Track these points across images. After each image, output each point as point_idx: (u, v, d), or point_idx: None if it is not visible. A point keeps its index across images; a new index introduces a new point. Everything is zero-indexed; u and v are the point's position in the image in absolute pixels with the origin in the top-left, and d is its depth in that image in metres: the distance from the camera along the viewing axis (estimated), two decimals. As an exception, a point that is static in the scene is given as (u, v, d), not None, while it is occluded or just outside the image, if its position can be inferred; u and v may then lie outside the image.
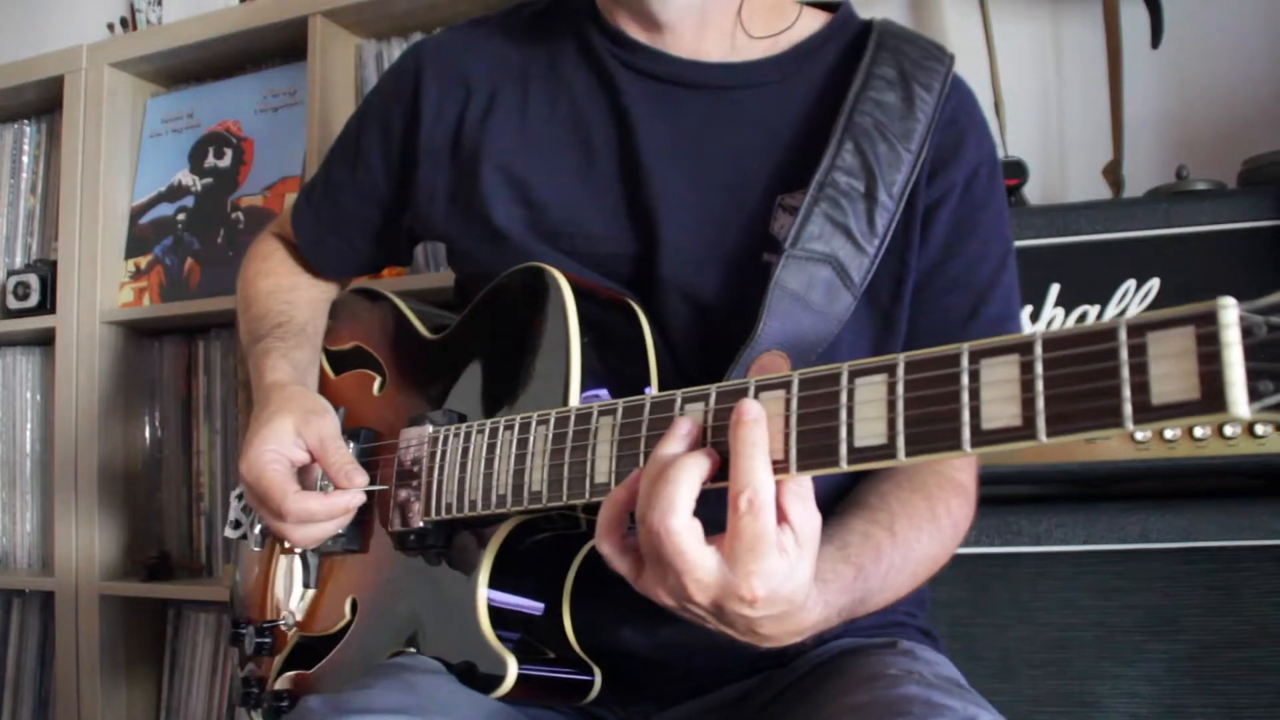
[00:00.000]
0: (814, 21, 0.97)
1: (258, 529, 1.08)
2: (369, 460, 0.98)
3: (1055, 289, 1.22)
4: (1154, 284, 1.19)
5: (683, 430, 0.66)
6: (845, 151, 0.85)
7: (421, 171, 1.00)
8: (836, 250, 0.83)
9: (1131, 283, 1.19)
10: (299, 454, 0.93)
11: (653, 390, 0.85)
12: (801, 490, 0.64)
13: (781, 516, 0.63)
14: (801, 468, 0.62)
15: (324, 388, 1.08)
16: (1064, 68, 1.61)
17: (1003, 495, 1.25)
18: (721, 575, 0.63)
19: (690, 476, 0.63)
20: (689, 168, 0.91)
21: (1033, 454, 1.19)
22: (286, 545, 1.04)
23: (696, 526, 0.63)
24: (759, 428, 0.62)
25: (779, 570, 0.62)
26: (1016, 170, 1.40)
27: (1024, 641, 1.17)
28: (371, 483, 0.94)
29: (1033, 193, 1.51)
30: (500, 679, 0.80)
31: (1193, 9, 1.51)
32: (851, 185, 0.84)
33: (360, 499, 0.92)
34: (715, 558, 0.63)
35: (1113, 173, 1.44)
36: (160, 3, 2.15)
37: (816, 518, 0.65)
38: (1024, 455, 1.19)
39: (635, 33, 0.95)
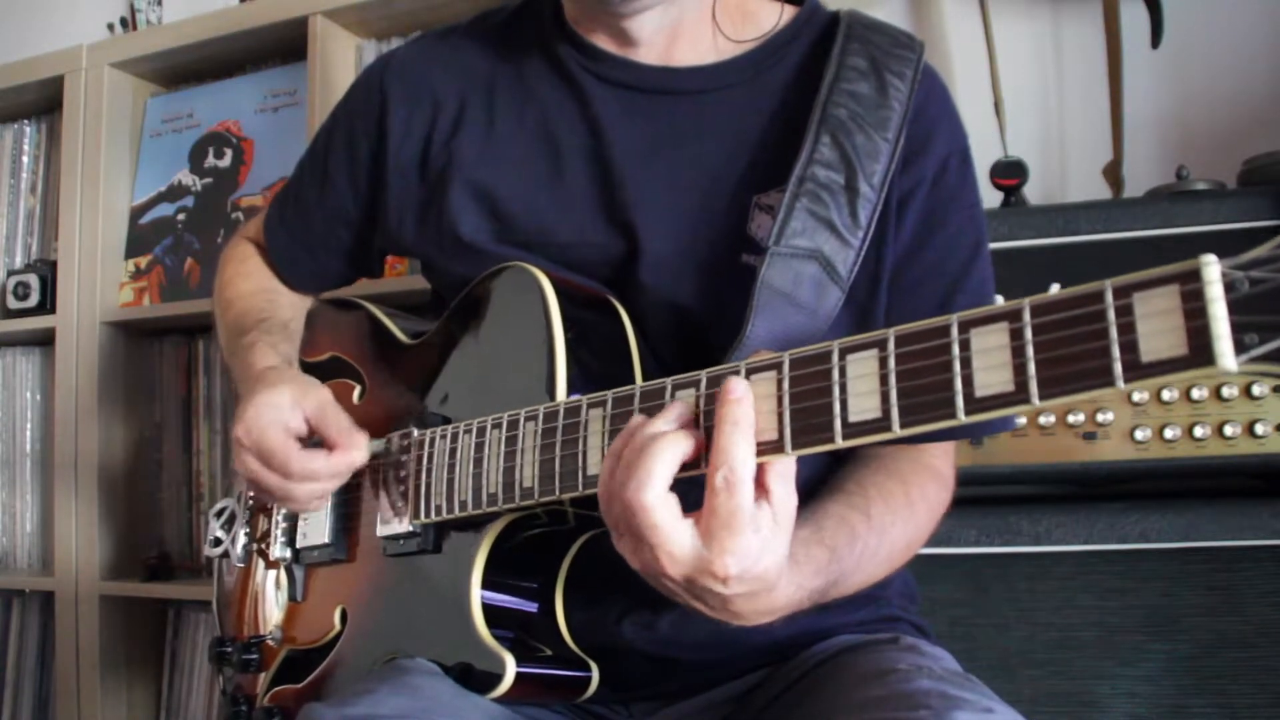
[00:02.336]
0: (781, 16, 0.96)
1: (239, 544, 1.07)
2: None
3: (1055, 289, 1.22)
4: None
5: (674, 412, 0.67)
6: (822, 145, 0.85)
7: (390, 191, 1.00)
8: (821, 245, 0.82)
9: (1132, 283, 1.19)
10: (297, 422, 0.92)
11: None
12: (785, 470, 0.64)
13: (763, 493, 0.64)
14: (797, 446, 0.63)
15: None
16: (1064, 68, 1.61)
17: (1003, 495, 1.25)
18: (695, 552, 0.63)
19: (668, 452, 0.64)
20: (663, 173, 0.90)
21: (1033, 454, 1.19)
22: (271, 559, 1.03)
23: (672, 500, 0.64)
24: (742, 406, 0.63)
25: (752, 549, 0.63)
26: (1016, 170, 1.40)
27: (1024, 641, 1.17)
28: (375, 444, 0.92)
29: (1033, 193, 1.51)
30: (499, 678, 0.79)
31: (1193, 9, 1.51)
32: (831, 178, 0.84)
33: (364, 456, 0.91)
34: (690, 533, 0.64)
35: (1113, 173, 1.44)
36: (160, 3, 2.15)
37: (794, 499, 0.66)
38: (1024, 455, 1.19)
39: (606, 45, 0.95)
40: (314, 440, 0.93)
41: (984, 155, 1.42)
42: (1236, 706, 1.10)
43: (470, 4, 1.65)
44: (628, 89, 0.93)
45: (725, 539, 0.62)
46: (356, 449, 0.91)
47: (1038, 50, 1.62)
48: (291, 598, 1.02)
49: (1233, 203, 1.19)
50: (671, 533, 0.63)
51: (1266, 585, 1.11)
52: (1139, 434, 1.16)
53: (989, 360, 0.56)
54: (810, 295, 0.82)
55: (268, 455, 0.89)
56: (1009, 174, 1.40)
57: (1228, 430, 1.13)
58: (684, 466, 0.66)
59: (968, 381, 0.56)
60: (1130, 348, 0.50)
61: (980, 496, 1.23)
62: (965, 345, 0.57)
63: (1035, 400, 0.54)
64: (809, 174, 0.84)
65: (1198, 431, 1.14)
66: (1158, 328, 0.50)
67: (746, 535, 0.63)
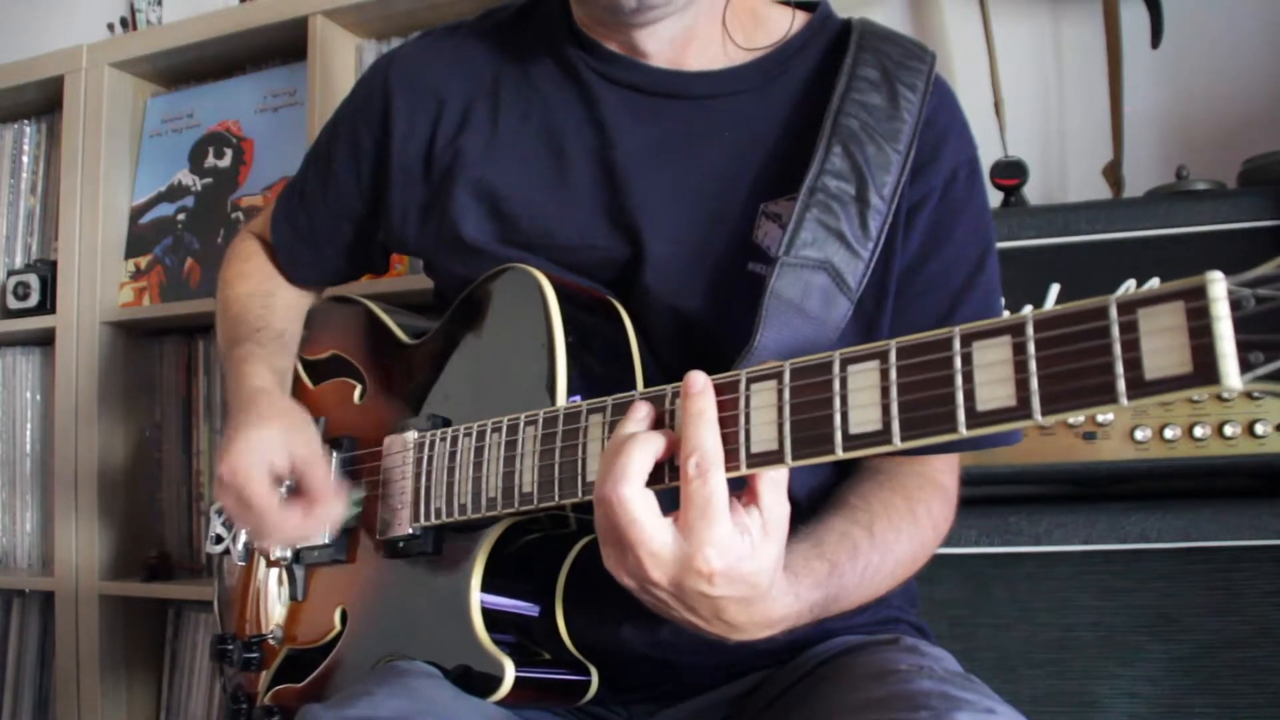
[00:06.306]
0: (793, 22, 0.95)
1: (241, 543, 1.07)
2: (352, 469, 0.98)
3: (1055, 289, 1.22)
4: (1154, 284, 1.19)
5: (640, 413, 0.69)
6: (834, 155, 0.84)
7: (393, 189, 1.00)
8: (831, 256, 0.82)
9: (1131, 283, 1.19)
10: (281, 462, 0.92)
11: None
12: (777, 477, 0.65)
13: (751, 500, 0.65)
14: (797, 457, 0.62)
15: (303, 398, 1.07)
16: (1064, 68, 1.60)
17: (1003, 495, 1.25)
18: (677, 547, 0.64)
19: (643, 448, 0.65)
20: (670, 177, 0.90)
21: (1033, 454, 1.19)
22: (272, 558, 1.04)
23: (650, 498, 0.65)
24: (704, 398, 0.65)
25: (736, 545, 0.63)
26: (1016, 170, 1.40)
27: (1024, 641, 1.17)
28: (354, 499, 0.94)
29: (1033, 193, 1.51)
30: (498, 682, 0.79)
31: (1193, 9, 1.51)
32: (842, 189, 0.83)
33: (340, 516, 0.93)
34: (670, 531, 0.64)
35: (1113, 173, 1.44)
36: (160, 3, 2.15)
37: (786, 507, 0.66)
38: (1024, 455, 1.19)
39: (615, 48, 0.94)
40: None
41: (984, 155, 1.41)
42: (1236, 706, 1.11)
43: (471, 4, 1.65)
44: (636, 91, 0.93)
45: (703, 529, 0.63)
46: (334, 509, 0.92)
47: (1038, 50, 1.61)
48: (292, 597, 1.02)
49: (1233, 203, 1.19)
50: (651, 528, 0.64)
51: (1266, 585, 1.11)
52: (1139, 434, 1.16)
53: (991, 374, 0.55)
54: (819, 306, 0.81)
55: (247, 503, 0.90)
56: (1009, 174, 1.40)
57: (1228, 430, 1.13)
58: (664, 477, 0.67)
59: (969, 395, 0.56)
60: (1134, 365, 0.50)
61: (980, 496, 1.23)
62: (967, 359, 0.56)
63: (1037, 416, 0.53)
64: (820, 184, 0.84)
65: (1198, 431, 1.14)
66: (1162, 345, 0.49)
67: (725, 525, 0.63)
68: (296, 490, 0.93)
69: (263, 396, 0.97)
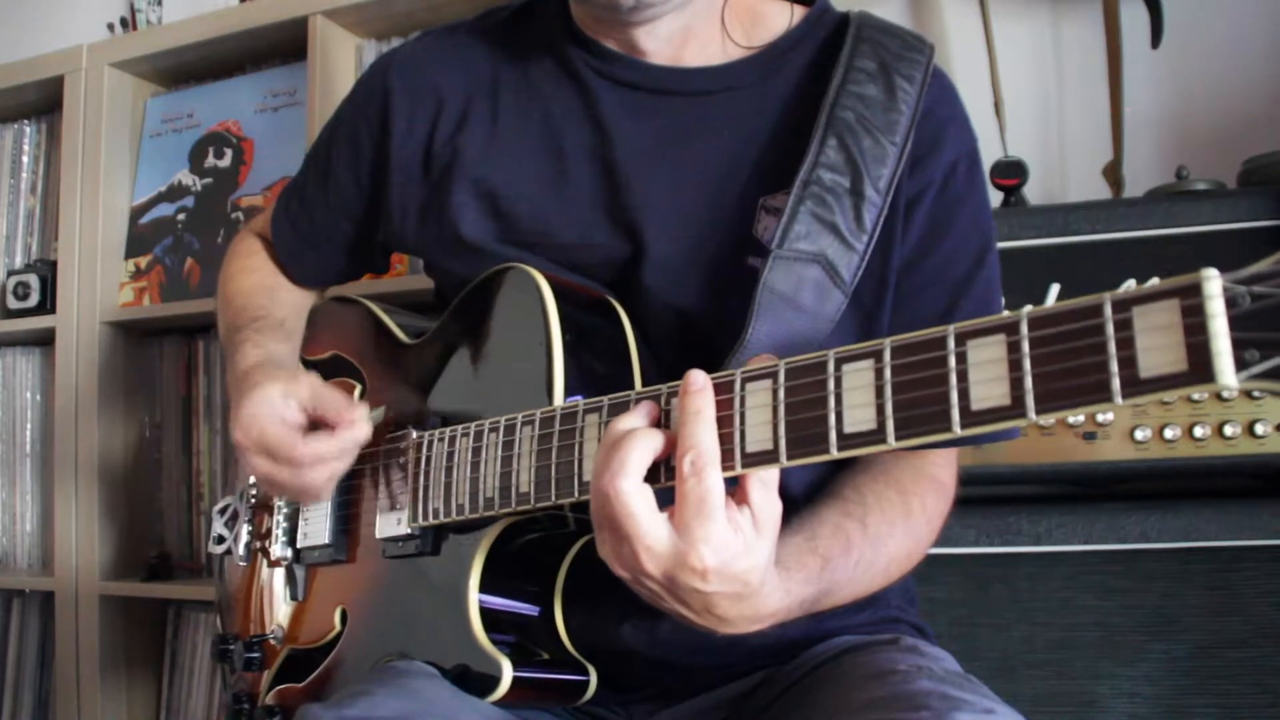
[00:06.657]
0: (791, 18, 0.95)
1: (242, 543, 1.07)
2: (352, 469, 0.98)
3: (1055, 289, 1.22)
4: (1154, 284, 1.19)
5: (641, 410, 0.69)
6: (829, 148, 0.84)
7: (392, 188, 1.00)
8: (825, 249, 0.82)
9: (1131, 283, 1.19)
10: (292, 413, 0.90)
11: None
12: (766, 477, 0.65)
13: (742, 499, 0.65)
14: (792, 456, 0.63)
15: None
16: (1064, 68, 1.61)
17: (1003, 495, 1.25)
18: (672, 543, 0.64)
19: (642, 444, 0.65)
20: (669, 173, 0.90)
21: (1033, 454, 1.19)
22: (272, 558, 1.04)
23: (647, 491, 0.65)
24: (702, 396, 0.65)
25: (730, 543, 0.64)
26: (1016, 170, 1.40)
27: (1024, 641, 1.17)
28: (375, 413, 0.93)
29: (1033, 193, 1.51)
30: (496, 682, 0.79)
31: (1193, 9, 1.51)
32: (837, 181, 0.83)
33: (367, 429, 0.91)
34: (666, 526, 0.65)
35: (1113, 173, 1.44)
36: (160, 3, 2.15)
37: (777, 504, 0.66)
38: (1024, 455, 1.19)
39: (614, 46, 0.94)
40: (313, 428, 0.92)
41: (984, 155, 1.41)
42: (1237, 706, 1.11)
43: (471, 4, 1.65)
44: (634, 89, 0.93)
45: (698, 527, 0.63)
46: (359, 423, 0.90)
47: (1038, 50, 1.62)
48: (293, 597, 1.02)
49: (1233, 203, 1.19)
50: (647, 523, 0.64)
51: (1266, 585, 1.11)
52: (1139, 434, 1.16)
53: (985, 373, 0.55)
54: (812, 299, 0.81)
55: (272, 450, 0.89)
56: (1009, 174, 1.40)
57: (1228, 430, 1.13)
58: (660, 476, 0.67)
59: (964, 394, 0.56)
60: (1129, 363, 0.50)
61: (980, 496, 1.23)
62: (962, 358, 0.56)
63: (1032, 415, 0.53)
64: (814, 177, 0.83)
65: (1198, 431, 1.14)
66: (1157, 343, 0.49)
67: (720, 523, 0.63)
68: (316, 428, 0.91)
69: (256, 369, 0.96)
